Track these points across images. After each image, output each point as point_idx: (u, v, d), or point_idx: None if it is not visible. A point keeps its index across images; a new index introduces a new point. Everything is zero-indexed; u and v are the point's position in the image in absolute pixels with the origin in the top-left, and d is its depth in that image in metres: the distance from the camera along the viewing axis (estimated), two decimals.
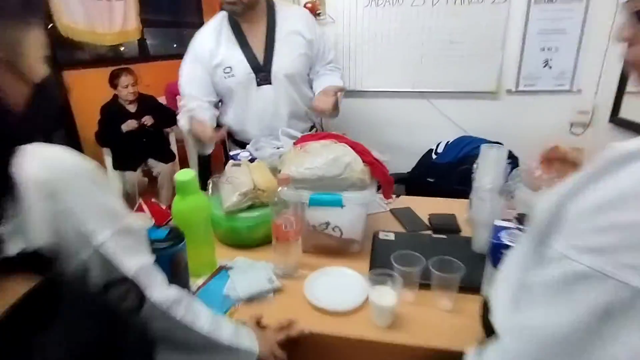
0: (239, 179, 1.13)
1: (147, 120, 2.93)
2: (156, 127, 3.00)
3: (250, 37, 1.49)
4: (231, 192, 1.12)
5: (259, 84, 1.50)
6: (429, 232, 1.22)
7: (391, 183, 1.10)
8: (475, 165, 1.22)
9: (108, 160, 2.92)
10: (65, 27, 2.54)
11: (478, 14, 1.89)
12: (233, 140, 1.66)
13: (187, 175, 0.94)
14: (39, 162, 0.49)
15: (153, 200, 3.18)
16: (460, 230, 1.21)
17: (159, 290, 0.60)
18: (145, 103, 3.03)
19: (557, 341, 0.41)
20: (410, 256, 0.90)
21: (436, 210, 1.32)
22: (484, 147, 1.18)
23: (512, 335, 0.46)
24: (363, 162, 1.04)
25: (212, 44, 1.49)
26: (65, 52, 2.90)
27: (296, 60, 1.53)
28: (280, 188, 0.98)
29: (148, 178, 3.04)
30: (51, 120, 0.65)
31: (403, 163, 2.08)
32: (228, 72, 1.49)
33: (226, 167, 1.22)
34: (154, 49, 3.91)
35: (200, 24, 4.88)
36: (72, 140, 2.78)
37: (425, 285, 0.89)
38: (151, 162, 3.03)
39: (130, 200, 2.93)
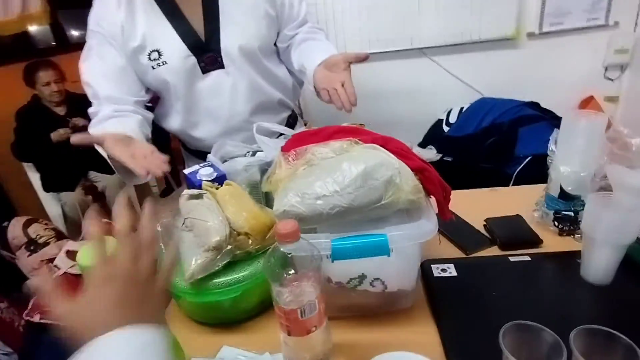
0: (204, 222, 0.69)
1: (79, 121, 2.36)
2: (82, 122, 2.44)
3: (182, 3, 0.99)
4: (195, 245, 0.68)
5: (204, 70, 1.02)
6: (494, 248, 0.84)
7: (448, 196, 0.70)
8: (551, 146, 0.84)
9: (35, 179, 2.36)
10: None
11: None
12: (186, 150, 1.20)
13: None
14: None
15: (105, 220, 2.64)
16: (541, 242, 0.84)
17: None
18: (77, 104, 2.44)
19: None
20: (533, 331, 0.51)
21: (488, 208, 0.94)
22: (566, 119, 0.79)
23: None
24: (412, 171, 0.62)
25: (122, 17, 0.96)
26: None
27: (253, 27, 1.04)
28: (280, 244, 0.55)
29: (92, 195, 2.49)
30: None
31: (406, 138, 1.68)
32: (156, 59, 0.99)
33: (180, 202, 0.77)
34: (76, 37, 3.24)
35: None
36: None
37: None
38: (93, 175, 2.49)
39: (72, 226, 2.40)
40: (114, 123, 0.94)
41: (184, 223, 0.73)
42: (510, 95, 1.58)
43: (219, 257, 0.67)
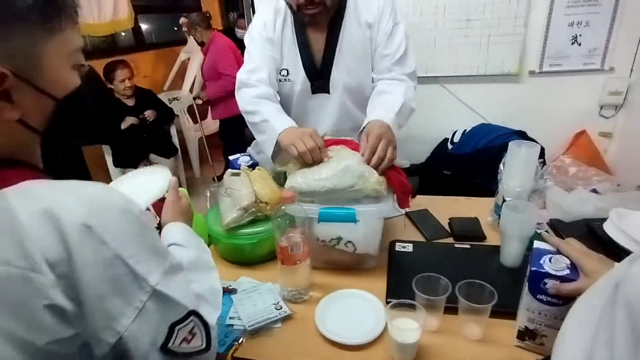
0: (239, 191, 1.02)
1: (150, 115, 2.82)
2: (154, 124, 2.89)
3: (312, 36, 1.21)
4: (230, 206, 1.01)
5: (313, 92, 1.27)
6: (450, 239, 1.11)
7: (409, 192, 0.98)
8: (501, 166, 1.10)
9: (109, 158, 2.84)
10: None
11: None
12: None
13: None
14: (81, 204, 0.44)
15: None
16: (485, 237, 1.10)
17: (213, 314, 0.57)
18: (144, 97, 2.91)
19: None
20: (434, 280, 0.80)
21: (456, 212, 1.21)
22: (512, 145, 1.05)
23: None
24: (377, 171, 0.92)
25: (274, 34, 1.20)
26: None
27: (360, 70, 1.23)
28: (284, 206, 0.87)
29: None
30: (85, 134, 0.59)
31: (416, 153, 1.95)
32: (285, 76, 1.25)
33: (224, 177, 1.11)
34: (150, 36, 3.76)
35: (197, 7, 4.72)
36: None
37: (451, 309, 0.79)
38: (153, 157, 2.94)
39: None
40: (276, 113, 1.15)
41: (225, 191, 1.06)
42: (510, 123, 1.79)
43: (245, 215, 1.00)
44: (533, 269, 0.67)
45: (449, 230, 1.14)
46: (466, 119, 1.89)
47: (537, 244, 0.73)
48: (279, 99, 1.24)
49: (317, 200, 0.94)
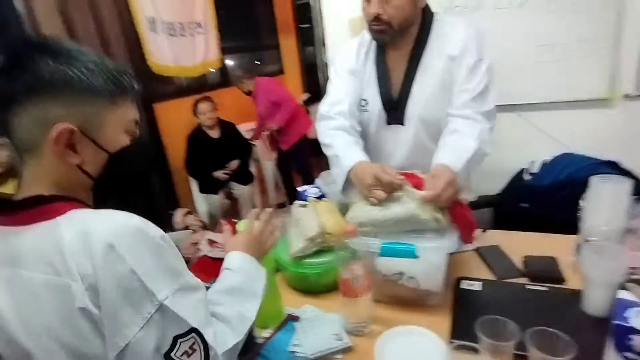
0: (306, 222, 1.08)
1: (234, 165, 3.11)
2: (237, 164, 3.15)
3: (392, 67, 1.22)
4: (298, 236, 1.07)
5: (388, 122, 1.26)
6: (523, 279, 1.04)
7: (473, 227, 0.95)
8: (581, 202, 1.02)
9: (194, 184, 3.13)
10: (156, 66, 2.79)
11: (580, 10, 1.60)
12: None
13: (248, 225, 0.91)
14: (108, 227, 0.54)
15: (234, 220, 3.31)
16: (564, 280, 1.01)
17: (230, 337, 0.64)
18: (226, 129, 3.19)
19: None
20: (502, 324, 0.76)
21: (533, 249, 1.13)
22: (595, 180, 0.97)
23: None
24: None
25: (356, 66, 1.25)
26: (156, 86, 3.19)
27: (437, 102, 1.18)
28: (347, 239, 0.90)
29: (229, 200, 3.19)
30: (130, 185, 0.72)
31: (491, 184, 1.86)
32: (363, 106, 1.26)
33: (292, 207, 1.18)
34: (233, 72, 4.14)
35: (275, 45, 5.08)
36: (163, 167, 3.03)
37: (520, 358, 0.74)
38: (232, 184, 3.18)
39: (213, 221, 3.10)
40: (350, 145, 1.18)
41: (294, 222, 1.13)
42: (598, 152, 1.64)
43: (312, 245, 1.05)
44: (617, 322, 0.61)
45: (522, 270, 1.07)
46: (546, 148, 1.76)
47: (622, 293, 0.66)
48: (360, 129, 1.27)
49: (379, 233, 0.96)
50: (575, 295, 0.91)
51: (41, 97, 0.56)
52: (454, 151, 1.08)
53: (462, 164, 1.04)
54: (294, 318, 0.99)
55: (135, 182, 0.74)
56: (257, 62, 4.73)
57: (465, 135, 1.10)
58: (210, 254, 2.68)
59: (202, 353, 0.58)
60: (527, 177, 1.74)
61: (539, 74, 1.74)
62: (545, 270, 1.04)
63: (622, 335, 0.60)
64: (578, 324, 0.84)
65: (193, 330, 0.57)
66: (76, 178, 0.61)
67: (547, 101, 1.76)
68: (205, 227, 2.92)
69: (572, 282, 0.99)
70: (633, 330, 0.59)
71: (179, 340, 0.56)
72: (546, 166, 1.69)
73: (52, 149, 0.57)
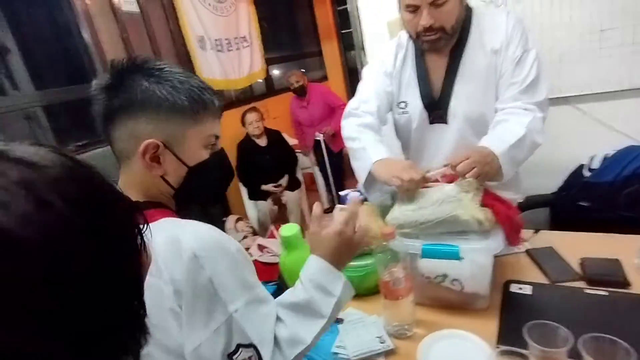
0: None
1: (284, 182, 3.21)
2: (281, 167, 3.25)
3: (432, 65, 1.21)
4: None
5: (431, 122, 1.25)
6: (581, 283, 0.97)
7: (519, 229, 0.91)
8: None
9: (243, 190, 3.26)
10: (206, 81, 2.95)
11: None
12: None
13: (291, 230, 0.94)
14: (194, 237, 0.60)
15: (283, 225, 3.39)
16: (629, 284, 0.93)
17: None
18: (273, 137, 3.30)
19: None
20: (553, 329, 0.72)
21: (592, 251, 1.05)
22: None
23: None
24: (481, 204, 0.89)
25: (394, 69, 1.25)
26: None
27: (481, 97, 1.16)
28: (385, 242, 0.90)
29: (278, 206, 3.28)
30: (206, 196, 0.78)
31: (546, 183, 1.75)
32: (403, 108, 1.27)
33: (334, 211, 1.20)
34: (278, 82, 4.27)
35: (318, 52, 5.19)
36: None
37: None
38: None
39: (263, 227, 3.20)
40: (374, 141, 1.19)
41: None
42: None
43: None
44: None
45: (579, 272, 1.00)
46: (608, 142, 1.62)
47: None
48: (383, 133, 1.27)
49: (420, 234, 0.95)
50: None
51: (135, 113, 0.64)
52: (497, 136, 1.05)
53: (504, 147, 1.00)
54: (337, 320, 1.00)
55: (213, 193, 0.80)
56: (302, 70, 4.85)
57: (513, 122, 1.06)
58: (260, 259, 2.79)
59: None
60: (586, 173, 1.61)
61: (597, 63, 1.61)
62: (606, 273, 0.97)
63: None
64: None
65: (252, 345, 0.61)
66: (160, 187, 0.69)
67: (606, 91, 1.63)
68: (255, 233, 3.04)
69: (637, 287, 0.92)
70: None
71: (241, 348, 0.60)
72: (608, 161, 1.56)
73: (140, 161, 0.65)
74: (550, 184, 1.76)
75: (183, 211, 0.72)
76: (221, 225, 2.91)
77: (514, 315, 0.88)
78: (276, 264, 2.74)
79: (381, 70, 1.26)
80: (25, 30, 2.16)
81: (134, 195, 0.66)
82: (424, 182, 1.00)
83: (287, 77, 3.57)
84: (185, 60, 2.84)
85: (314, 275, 0.70)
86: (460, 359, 0.81)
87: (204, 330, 0.58)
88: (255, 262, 2.78)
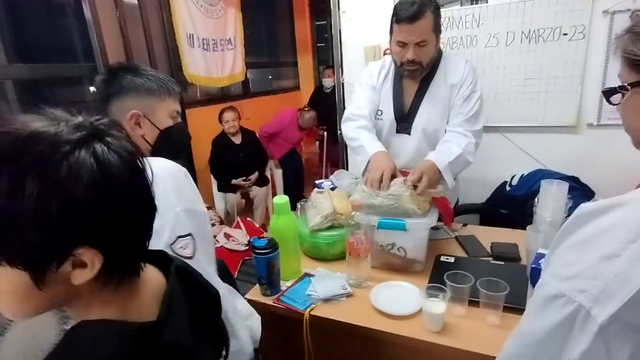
0: (321, 204, 1.39)
1: (253, 178, 3.45)
2: (253, 165, 3.50)
3: (406, 87, 1.54)
4: (315, 214, 1.38)
5: (397, 131, 1.58)
6: (490, 258, 1.33)
7: (451, 213, 1.26)
8: (536, 200, 1.32)
9: (213, 182, 3.46)
10: (190, 76, 3.16)
11: (554, 51, 1.92)
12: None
13: (282, 199, 1.23)
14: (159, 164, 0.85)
15: (248, 219, 3.63)
16: (520, 259, 1.31)
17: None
18: (247, 136, 3.54)
19: (535, 343, 0.55)
20: (462, 275, 1.06)
21: (500, 240, 1.42)
22: (544, 183, 1.28)
23: (511, 338, 0.61)
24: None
25: (377, 83, 1.58)
26: (189, 93, 3.56)
27: (440, 118, 1.51)
28: (353, 212, 1.21)
29: (245, 200, 3.51)
30: (173, 150, 1.05)
31: (478, 194, 2.16)
32: (379, 115, 1.60)
33: (312, 194, 1.49)
34: (254, 85, 4.52)
35: (294, 62, 5.51)
36: (189, 166, 3.37)
37: (475, 302, 1.03)
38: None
39: (229, 217, 3.41)
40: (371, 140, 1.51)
41: (312, 204, 1.44)
42: (566, 169, 1.91)
43: (325, 221, 1.36)
44: (532, 266, 0.91)
45: (489, 251, 1.37)
46: (525, 165, 2.07)
47: (539, 250, 0.97)
48: (375, 131, 1.60)
49: (377, 213, 1.27)
50: (524, 268, 1.21)
51: (124, 95, 0.95)
52: (441, 153, 1.41)
53: (445, 162, 1.36)
54: (310, 275, 1.29)
55: (177, 149, 1.07)
56: (270, 77, 5.14)
57: (453, 144, 1.43)
58: (226, 246, 3.00)
59: (193, 249, 0.82)
60: (507, 188, 2.05)
61: (521, 103, 2.07)
62: (506, 251, 1.34)
63: (536, 275, 0.89)
64: (520, 284, 1.14)
65: (191, 235, 0.83)
66: (142, 144, 0.97)
67: (526, 125, 2.08)
68: (222, 222, 3.24)
69: (524, 261, 1.29)
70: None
71: (179, 239, 0.80)
72: (523, 179, 2.00)
73: (128, 126, 0.94)
74: (481, 195, 2.17)
75: None
76: None
77: (440, 274, 1.21)
78: (240, 251, 2.96)
79: (370, 83, 1.60)
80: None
81: None
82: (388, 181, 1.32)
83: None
84: (174, 53, 3.03)
85: None
86: (400, 299, 1.12)
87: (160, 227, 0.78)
88: (222, 248, 2.98)
